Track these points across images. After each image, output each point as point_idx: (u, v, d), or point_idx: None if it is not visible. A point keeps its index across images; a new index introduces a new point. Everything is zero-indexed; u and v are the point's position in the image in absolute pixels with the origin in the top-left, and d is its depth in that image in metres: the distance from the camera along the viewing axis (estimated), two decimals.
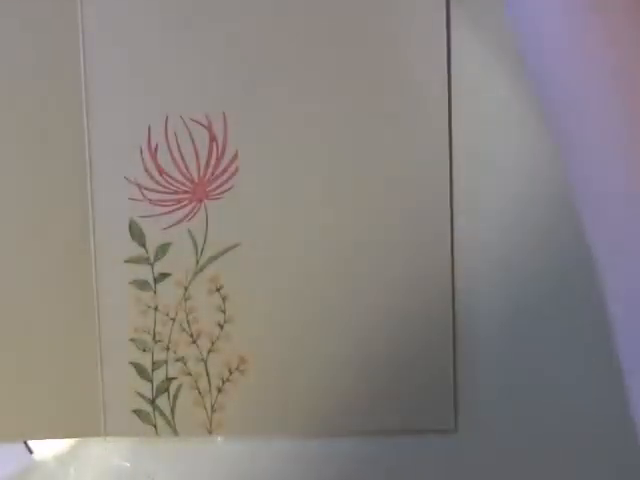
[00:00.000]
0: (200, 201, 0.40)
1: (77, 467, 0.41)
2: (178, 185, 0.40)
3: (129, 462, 0.42)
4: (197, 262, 0.40)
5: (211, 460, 0.42)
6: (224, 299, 0.40)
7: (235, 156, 0.40)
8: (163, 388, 0.41)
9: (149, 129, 0.40)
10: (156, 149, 0.40)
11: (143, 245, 0.40)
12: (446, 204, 0.40)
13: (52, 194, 0.40)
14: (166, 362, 0.41)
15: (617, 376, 0.30)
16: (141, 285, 0.40)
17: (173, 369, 0.41)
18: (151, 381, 0.41)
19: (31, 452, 0.41)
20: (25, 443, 0.40)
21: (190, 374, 0.41)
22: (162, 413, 0.41)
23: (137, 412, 0.41)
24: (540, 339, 0.41)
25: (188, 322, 0.40)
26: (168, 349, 0.41)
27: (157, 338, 0.40)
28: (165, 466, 0.42)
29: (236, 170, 0.40)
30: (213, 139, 0.40)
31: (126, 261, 0.40)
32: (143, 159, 0.40)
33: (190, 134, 0.40)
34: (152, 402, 0.41)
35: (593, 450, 0.42)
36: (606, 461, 0.42)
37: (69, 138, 0.39)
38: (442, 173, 0.40)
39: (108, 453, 0.41)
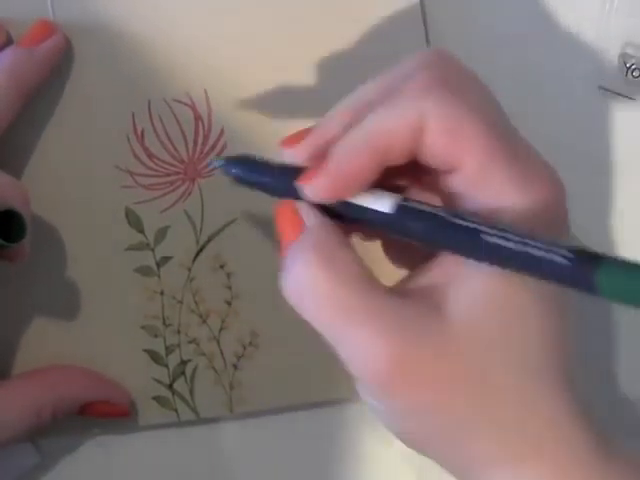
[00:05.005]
0: (193, 180, 0.40)
1: (84, 467, 0.41)
2: (169, 167, 0.40)
3: (133, 462, 0.42)
4: (197, 242, 0.40)
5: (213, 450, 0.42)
6: (229, 276, 0.40)
7: (221, 132, 0.40)
8: (179, 371, 0.41)
9: (133, 116, 0.40)
10: (142, 134, 0.40)
11: (142, 231, 0.40)
12: None
13: (46, 192, 0.40)
14: (179, 345, 0.41)
15: None
16: (145, 271, 0.40)
17: (187, 351, 0.41)
18: (166, 366, 0.41)
19: (39, 452, 0.41)
20: (33, 443, 0.40)
21: (204, 354, 0.41)
22: (181, 397, 0.41)
23: (156, 399, 0.41)
24: None
25: (196, 303, 0.40)
26: (179, 332, 0.41)
27: (167, 322, 0.40)
28: (167, 464, 0.42)
29: (224, 146, 0.40)
30: (198, 118, 0.40)
31: (127, 249, 0.40)
32: (131, 146, 0.40)
33: (175, 115, 0.40)
34: (170, 387, 0.41)
35: None
36: None
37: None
38: None
39: (113, 453, 0.41)
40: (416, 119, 0.29)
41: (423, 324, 0.28)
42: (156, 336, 0.40)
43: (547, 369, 0.28)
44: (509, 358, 0.28)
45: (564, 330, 0.29)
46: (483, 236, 0.27)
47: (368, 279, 0.29)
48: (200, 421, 0.41)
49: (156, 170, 0.40)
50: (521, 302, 0.28)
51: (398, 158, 0.30)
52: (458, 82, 0.30)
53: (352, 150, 0.29)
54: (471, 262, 0.28)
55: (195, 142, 0.40)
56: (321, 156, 0.30)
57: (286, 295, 0.30)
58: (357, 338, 0.28)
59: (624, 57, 0.38)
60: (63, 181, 0.40)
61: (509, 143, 0.29)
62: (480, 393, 0.28)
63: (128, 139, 0.40)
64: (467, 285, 0.28)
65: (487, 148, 0.28)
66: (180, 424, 0.41)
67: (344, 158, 0.29)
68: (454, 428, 0.29)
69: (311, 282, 0.29)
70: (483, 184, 0.29)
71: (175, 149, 0.40)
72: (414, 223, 0.29)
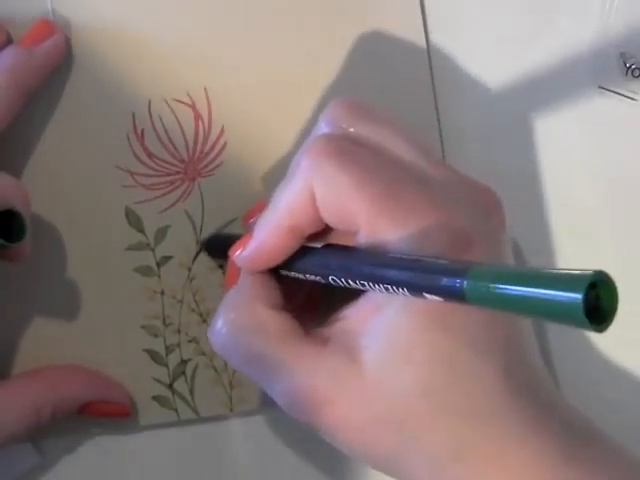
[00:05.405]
0: (193, 180, 0.40)
1: (84, 467, 0.41)
2: (169, 167, 0.40)
3: (133, 462, 0.41)
4: (197, 241, 0.40)
5: (213, 449, 0.42)
6: None
7: (221, 131, 0.40)
8: (179, 371, 0.41)
9: (133, 116, 0.40)
10: (142, 134, 0.40)
11: (142, 231, 0.40)
12: None
13: (47, 192, 0.40)
14: (179, 345, 0.41)
15: None
16: (145, 271, 0.40)
17: (187, 351, 0.41)
18: (166, 365, 0.41)
19: (39, 452, 0.41)
20: (33, 443, 0.40)
21: (204, 353, 0.41)
22: (181, 396, 0.41)
23: (156, 398, 0.41)
24: None
25: (196, 302, 0.40)
26: (179, 332, 0.41)
27: (167, 322, 0.40)
28: (167, 464, 0.42)
29: (224, 145, 0.40)
30: (198, 117, 0.40)
31: (127, 249, 0.40)
32: (131, 146, 0.40)
33: (175, 115, 0.40)
34: (170, 386, 0.41)
35: None
36: None
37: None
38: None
39: (114, 453, 0.41)
40: (308, 195, 0.31)
41: (342, 372, 0.30)
42: (156, 336, 0.40)
43: (465, 403, 0.29)
44: (428, 396, 0.29)
45: (478, 357, 0.29)
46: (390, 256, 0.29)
47: (288, 333, 0.31)
48: (200, 420, 0.41)
49: (156, 170, 0.40)
50: (428, 342, 0.29)
51: (312, 228, 0.32)
52: (346, 149, 0.31)
53: (266, 230, 0.32)
54: (382, 306, 0.30)
55: (195, 142, 0.40)
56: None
57: (210, 343, 0.33)
58: (277, 390, 0.31)
59: (624, 57, 0.38)
60: (63, 181, 0.40)
61: (396, 200, 0.30)
62: (406, 430, 0.29)
63: (128, 139, 0.40)
64: (377, 332, 0.30)
65: (371, 214, 0.30)
66: (180, 424, 0.41)
67: (262, 236, 0.32)
68: (384, 459, 0.30)
69: (232, 342, 0.32)
70: (378, 240, 0.30)
71: (175, 149, 0.40)
72: (336, 255, 0.31)
